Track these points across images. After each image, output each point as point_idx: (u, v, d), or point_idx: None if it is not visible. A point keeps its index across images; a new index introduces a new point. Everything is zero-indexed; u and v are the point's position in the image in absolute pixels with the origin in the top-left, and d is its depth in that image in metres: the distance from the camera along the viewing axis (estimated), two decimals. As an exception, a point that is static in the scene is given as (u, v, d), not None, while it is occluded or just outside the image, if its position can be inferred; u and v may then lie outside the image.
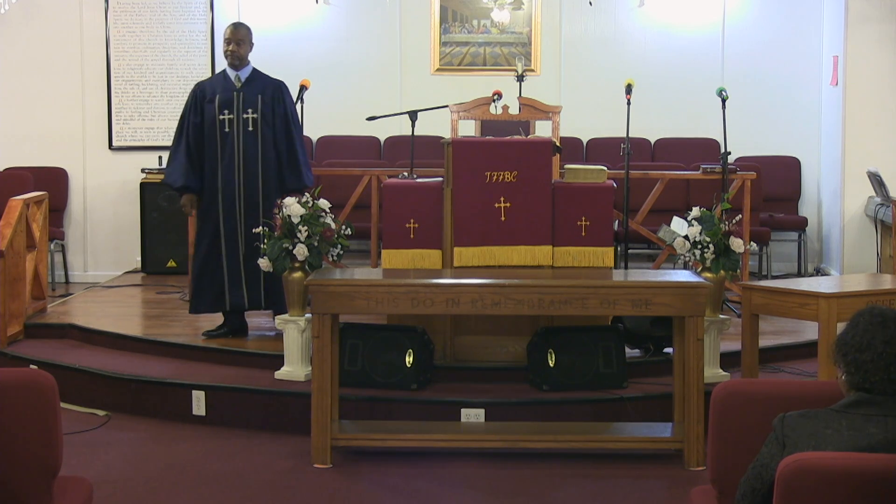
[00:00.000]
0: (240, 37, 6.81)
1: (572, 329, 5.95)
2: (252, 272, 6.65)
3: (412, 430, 5.42)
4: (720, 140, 7.80)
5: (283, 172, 6.79)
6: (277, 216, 6.07)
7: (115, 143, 9.88)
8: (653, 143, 9.91)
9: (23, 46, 9.81)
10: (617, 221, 7.57)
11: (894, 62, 9.00)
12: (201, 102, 6.78)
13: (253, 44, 6.91)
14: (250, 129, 6.73)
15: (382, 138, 9.86)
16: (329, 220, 6.05)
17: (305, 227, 5.96)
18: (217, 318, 6.95)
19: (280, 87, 6.85)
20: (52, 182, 9.49)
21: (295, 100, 7.02)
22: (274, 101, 6.79)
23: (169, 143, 9.65)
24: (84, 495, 3.64)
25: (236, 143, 6.72)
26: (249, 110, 6.74)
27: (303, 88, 7.24)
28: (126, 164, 9.81)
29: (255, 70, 6.88)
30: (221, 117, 6.72)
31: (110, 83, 9.81)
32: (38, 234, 7.51)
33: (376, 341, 5.97)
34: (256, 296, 6.79)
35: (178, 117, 6.91)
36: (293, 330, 5.99)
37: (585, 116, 9.64)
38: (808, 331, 6.75)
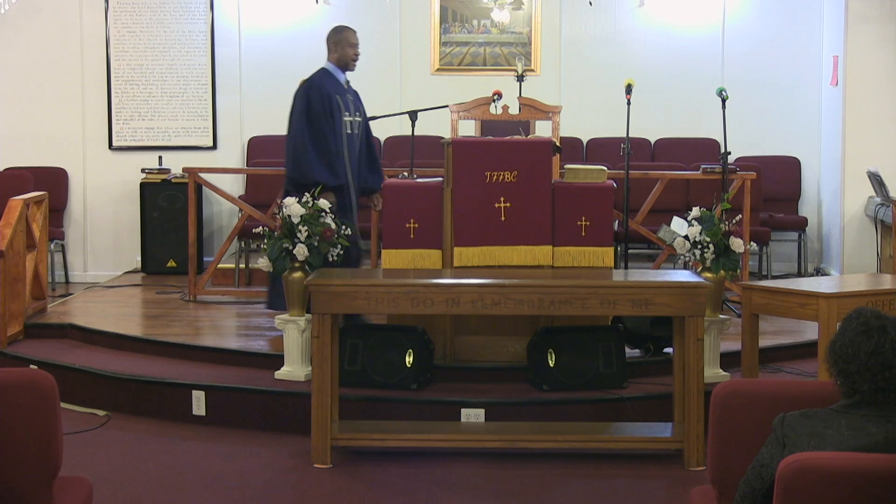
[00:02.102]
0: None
1: (572, 329, 5.95)
2: None
3: (412, 430, 5.42)
4: (720, 140, 7.80)
5: (365, 174, 6.97)
6: (277, 216, 6.07)
7: (115, 143, 9.88)
8: (653, 143, 9.91)
9: (23, 46, 9.81)
10: (617, 221, 7.57)
11: (894, 62, 9.00)
12: (329, 104, 6.81)
13: None
14: (356, 131, 6.94)
15: (382, 138, 9.85)
16: (329, 220, 6.05)
17: (305, 227, 5.96)
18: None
19: (358, 94, 7.09)
20: (52, 182, 9.48)
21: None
22: (362, 106, 7.06)
23: (168, 143, 9.80)
24: (84, 495, 3.65)
25: (352, 145, 6.90)
26: (357, 113, 6.97)
27: (303, 88, 7.24)
28: (126, 164, 9.81)
29: None
30: (346, 119, 6.86)
31: (110, 83, 9.81)
32: (38, 234, 7.51)
33: (376, 341, 5.97)
34: None
35: (304, 115, 6.78)
36: (293, 330, 5.99)
37: (585, 116, 9.64)
38: (808, 331, 6.75)
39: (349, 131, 6.86)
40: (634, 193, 7.89)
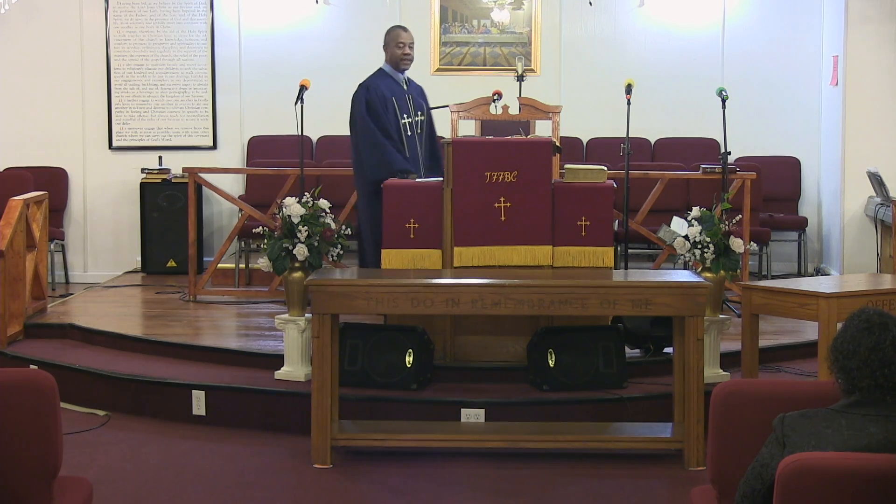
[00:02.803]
0: (412, 40, 7.01)
1: (572, 329, 5.95)
2: None
3: (412, 430, 5.42)
4: (720, 140, 7.79)
5: (430, 173, 6.85)
6: (277, 216, 6.07)
7: (115, 143, 9.87)
8: (653, 143, 9.91)
9: (23, 46, 9.81)
10: (617, 221, 7.57)
11: (894, 62, 8.99)
12: (382, 107, 6.81)
13: None
14: (419, 131, 6.93)
15: (382, 138, 9.84)
16: (329, 220, 6.05)
17: (305, 227, 5.96)
18: None
19: (423, 89, 7.13)
20: (52, 182, 9.48)
21: (295, 100, 7.02)
22: (426, 102, 7.06)
23: (168, 143, 9.80)
24: (84, 495, 3.65)
25: (417, 146, 6.90)
26: (419, 113, 6.96)
27: (303, 88, 7.21)
28: (126, 164, 9.81)
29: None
30: (403, 121, 6.85)
31: (110, 83, 9.81)
32: (38, 234, 7.51)
33: (376, 341, 5.97)
34: None
35: (366, 116, 6.75)
36: (293, 330, 5.99)
37: (585, 116, 9.64)
38: (808, 331, 6.75)
39: (408, 133, 6.88)
40: (634, 193, 7.89)
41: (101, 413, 6.14)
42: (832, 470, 2.73)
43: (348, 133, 9.99)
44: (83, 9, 9.79)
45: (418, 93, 7.08)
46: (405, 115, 6.90)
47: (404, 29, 7.07)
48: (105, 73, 9.81)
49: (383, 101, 6.82)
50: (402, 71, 7.01)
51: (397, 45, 6.95)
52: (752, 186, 7.88)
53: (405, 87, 6.99)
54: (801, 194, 9.87)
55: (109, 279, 9.29)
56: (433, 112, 7.38)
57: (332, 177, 8.35)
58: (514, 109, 7.43)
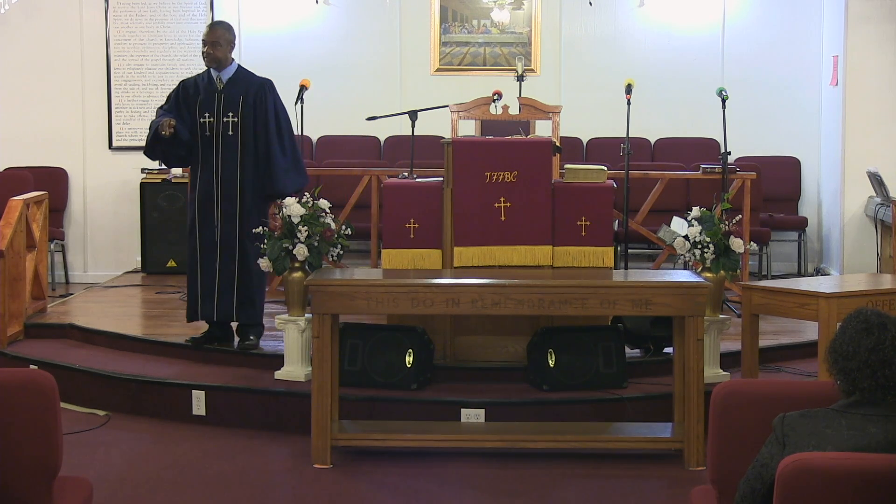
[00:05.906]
0: (214, 38, 6.39)
1: (572, 329, 5.95)
2: (226, 283, 6.35)
3: (412, 430, 5.42)
4: (720, 140, 7.80)
5: (261, 180, 6.32)
6: (277, 216, 6.08)
7: (115, 143, 9.87)
8: (653, 143, 9.91)
9: (23, 46, 9.81)
10: (617, 221, 7.57)
11: (894, 62, 9.00)
12: (184, 101, 6.46)
13: (233, 43, 6.48)
14: (230, 133, 6.33)
15: (382, 138, 9.85)
16: (329, 220, 6.05)
17: (305, 227, 5.96)
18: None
19: (264, 86, 6.41)
20: (52, 182, 9.48)
21: (295, 100, 7.00)
22: (256, 102, 6.37)
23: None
24: (84, 495, 3.65)
25: (215, 149, 6.36)
26: (230, 113, 6.34)
27: (303, 88, 7.23)
28: (126, 164, 9.80)
29: (239, 70, 6.50)
30: (202, 120, 6.39)
31: (110, 83, 9.81)
32: (38, 234, 7.51)
33: (376, 341, 5.97)
34: (228, 307, 6.41)
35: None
36: (293, 330, 5.99)
37: (585, 116, 9.64)
38: (808, 331, 6.75)
39: (206, 133, 6.37)
40: (634, 193, 7.89)
41: (101, 413, 6.14)
42: (832, 470, 2.73)
43: (349, 133, 10.03)
44: (83, 9, 9.79)
45: (246, 91, 6.38)
46: (206, 115, 6.38)
47: (208, 26, 6.55)
48: (105, 73, 9.81)
49: (186, 97, 6.46)
50: (211, 69, 6.47)
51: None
52: (752, 186, 7.88)
53: (220, 85, 6.44)
54: (801, 194, 9.87)
55: (109, 279, 9.28)
56: (431, 113, 7.35)
57: (332, 177, 8.35)
58: (514, 109, 7.42)
